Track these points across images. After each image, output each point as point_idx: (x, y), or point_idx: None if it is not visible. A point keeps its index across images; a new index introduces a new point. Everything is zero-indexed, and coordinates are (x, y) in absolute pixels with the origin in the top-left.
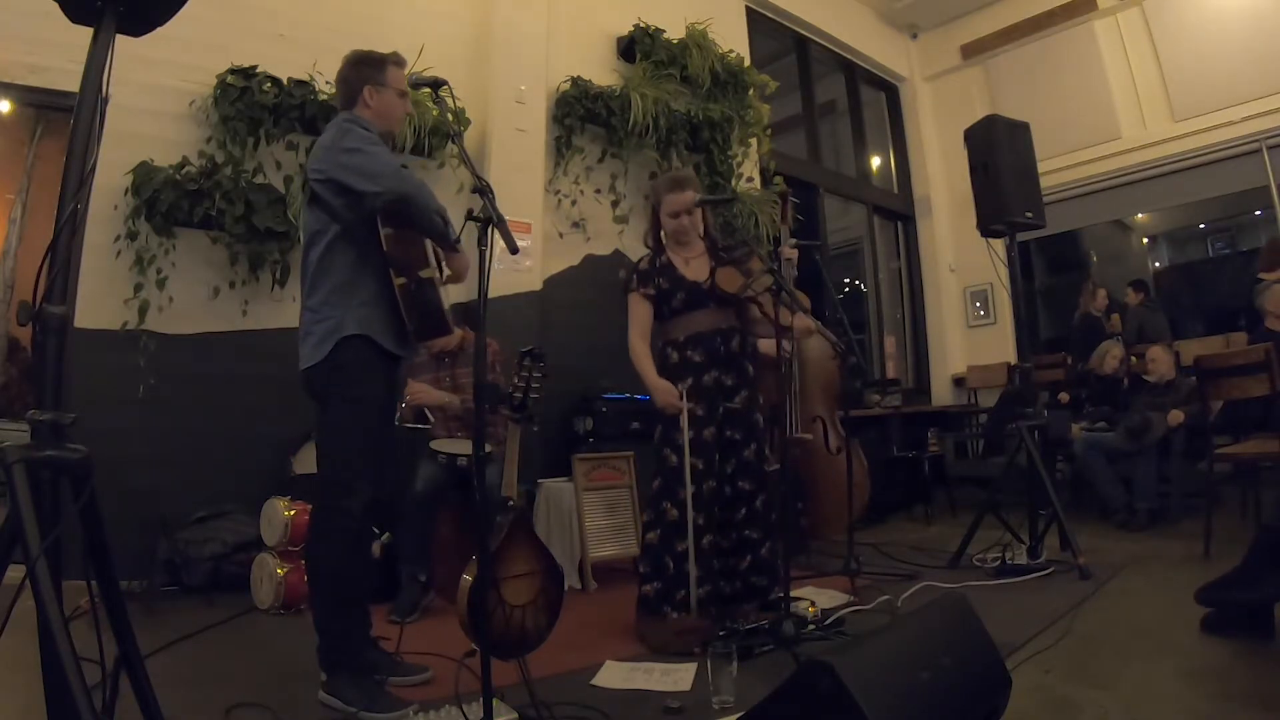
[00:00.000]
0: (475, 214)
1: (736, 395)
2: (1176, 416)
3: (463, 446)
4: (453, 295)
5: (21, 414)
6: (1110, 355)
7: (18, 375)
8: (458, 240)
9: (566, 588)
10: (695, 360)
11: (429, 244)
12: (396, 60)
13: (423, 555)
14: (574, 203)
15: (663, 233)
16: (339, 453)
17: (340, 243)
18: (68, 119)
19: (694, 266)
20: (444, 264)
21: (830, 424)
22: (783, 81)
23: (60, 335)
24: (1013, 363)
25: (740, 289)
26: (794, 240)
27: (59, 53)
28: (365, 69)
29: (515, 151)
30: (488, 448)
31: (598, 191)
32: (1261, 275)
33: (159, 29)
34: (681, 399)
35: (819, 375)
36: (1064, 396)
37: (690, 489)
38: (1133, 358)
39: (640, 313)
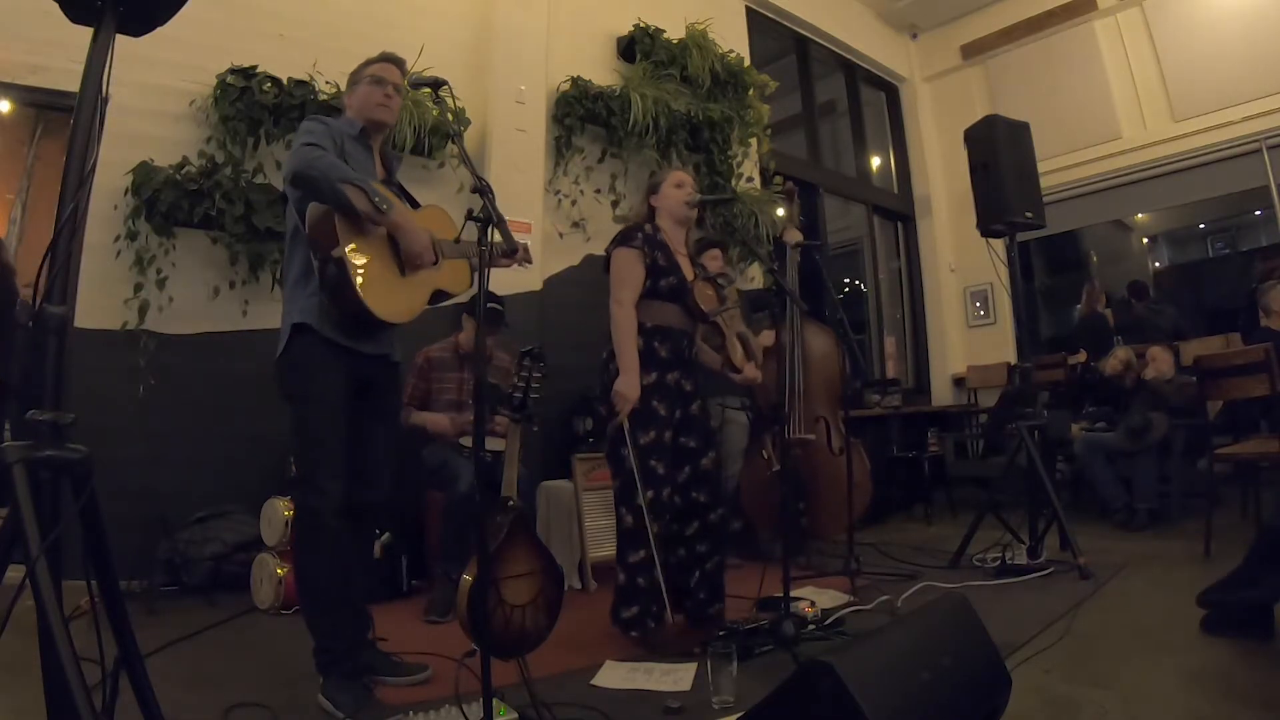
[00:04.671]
0: (475, 214)
1: (693, 402)
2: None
3: (498, 444)
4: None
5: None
6: (1117, 358)
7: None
8: (387, 208)
9: (566, 588)
10: (661, 355)
11: (343, 224)
12: (382, 58)
13: (462, 555)
14: (574, 203)
15: (658, 215)
16: (303, 452)
17: (299, 236)
18: (68, 119)
19: (681, 261)
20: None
21: (833, 424)
22: (783, 81)
23: (60, 335)
24: (1013, 363)
25: (712, 311)
26: (798, 238)
27: (59, 53)
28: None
29: (515, 151)
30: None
31: (598, 191)
32: (1258, 287)
33: (159, 29)
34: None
35: (822, 375)
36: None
37: (649, 494)
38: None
39: (636, 273)
